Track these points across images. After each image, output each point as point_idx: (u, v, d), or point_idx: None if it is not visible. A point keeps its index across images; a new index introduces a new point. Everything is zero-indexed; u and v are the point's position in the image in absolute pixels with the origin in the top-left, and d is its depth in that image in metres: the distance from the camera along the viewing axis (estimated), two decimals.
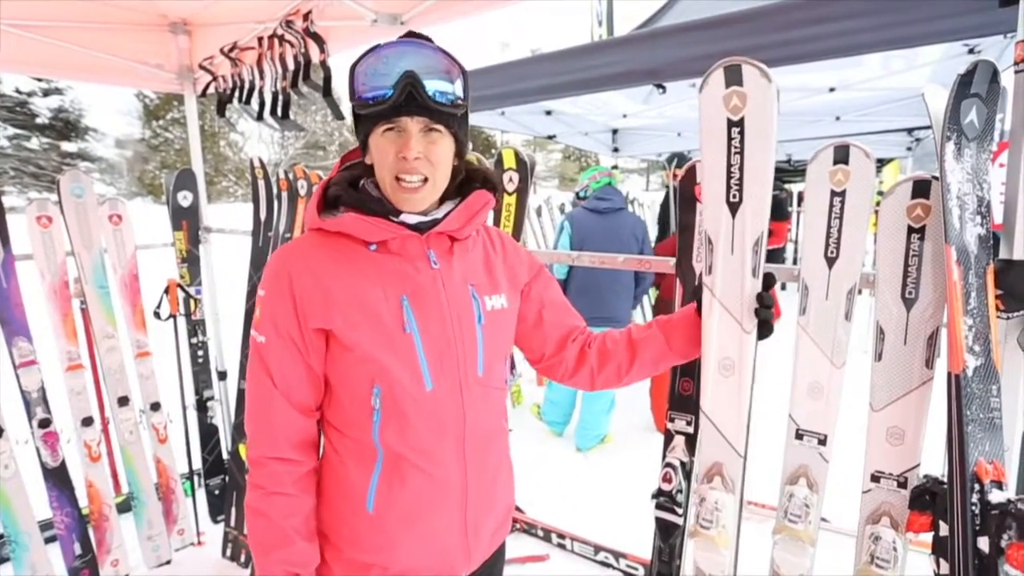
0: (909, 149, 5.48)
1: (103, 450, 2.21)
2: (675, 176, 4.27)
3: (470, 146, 0.99)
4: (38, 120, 21.95)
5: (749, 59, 0.98)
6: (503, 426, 1.05)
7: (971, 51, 3.06)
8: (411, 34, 0.91)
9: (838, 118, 4.52)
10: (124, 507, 2.38)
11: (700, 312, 1.09)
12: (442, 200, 0.96)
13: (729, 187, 1.02)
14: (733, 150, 1.01)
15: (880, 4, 1.79)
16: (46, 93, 21.86)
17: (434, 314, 0.91)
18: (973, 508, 0.82)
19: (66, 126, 22.68)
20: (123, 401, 2.24)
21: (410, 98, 0.84)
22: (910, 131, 4.94)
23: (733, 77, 0.98)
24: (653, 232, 5.19)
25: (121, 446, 2.25)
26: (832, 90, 3.67)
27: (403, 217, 0.91)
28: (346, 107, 0.94)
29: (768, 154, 1.00)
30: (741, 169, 1.01)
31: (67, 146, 23.12)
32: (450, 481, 0.94)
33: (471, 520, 0.97)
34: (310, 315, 0.87)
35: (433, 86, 0.85)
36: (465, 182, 0.99)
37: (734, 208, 1.03)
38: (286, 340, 0.89)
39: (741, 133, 0.99)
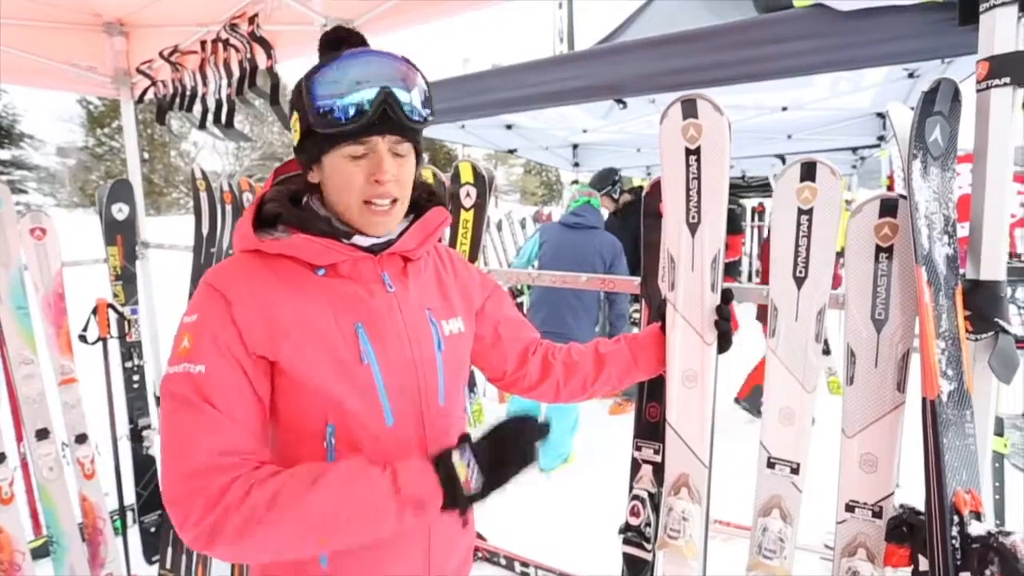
0: (854, 167, 5.72)
1: (18, 490, 1.98)
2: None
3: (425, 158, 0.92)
4: None
5: (703, 94, 1.06)
6: None
7: (911, 75, 3.21)
8: (342, 32, 0.82)
9: (790, 136, 4.67)
10: (42, 552, 2.15)
11: (664, 329, 1.13)
12: None
13: (688, 209, 1.10)
14: (691, 176, 1.09)
15: (832, 27, 1.83)
16: None
17: (392, 342, 0.83)
18: (953, 542, 0.79)
19: None
20: (42, 434, 2.02)
21: (383, 115, 0.76)
22: (854, 150, 5.16)
23: (689, 110, 1.07)
24: None
25: (40, 484, 2.03)
26: (785, 109, 3.78)
27: (355, 239, 0.82)
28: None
29: (722, 179, 1.07)
30: (699, 193, 1.09)
31: None
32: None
33: (435, 563, 0.89)
34: (250, 340, 0.75)
35: (405, 101, 0.77)
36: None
37: (693, 228, 1.10)
38: (231, 363, 0.73)
39: (698, 160, 1.08)
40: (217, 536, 0.67)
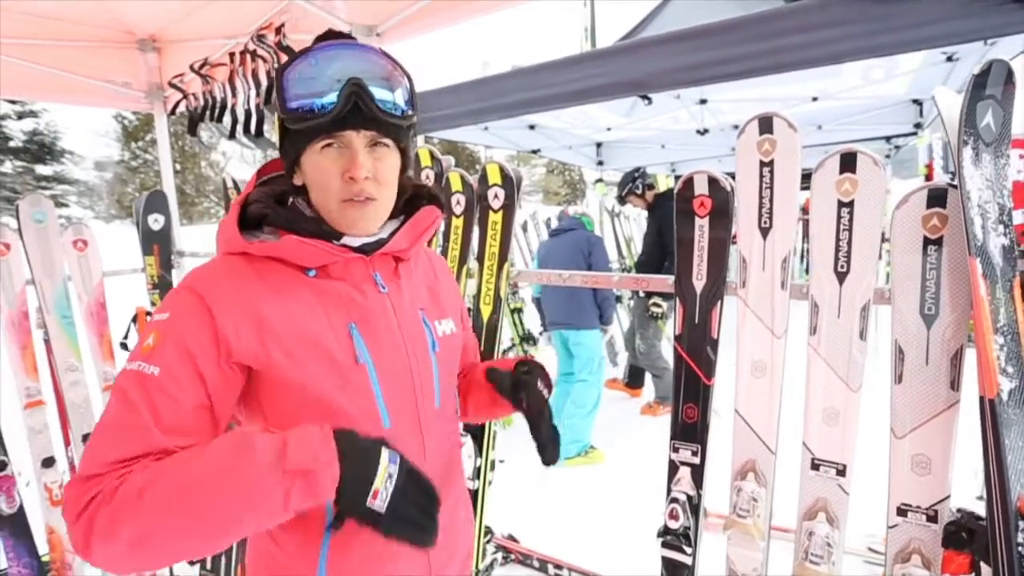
0: (887, 156, 5.54)
1: None
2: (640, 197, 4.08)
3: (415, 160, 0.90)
4: (11, 143, 21.51)
5: (779, 113, 1.14)
6: (459, 458, 0.97)
7: (949, 59, 3.08)
8: (332, 34, 0.80)
9: (820, 127, 4.54)
10: None
11: (502, 392, 0.94)
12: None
13: (761, 215, 1.17)
14: (764, 185, 1.17)
15: (862, 13, 1.77)
16: (20, 116, 21.46)
17: (387, 343, 0.81)
18: (1019, 548, 0.75)
19: (41, 149, 22.24)
20: (89, 438, 2.09)
21: (355, 109, 0.73)
22: (888, 139, 4.99)
23: (765, 127, 1.15)
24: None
25: None
26: (815, 99, 3.68)
27: (345, 240, 0.79)
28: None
29: (793, 189, 1.14)
30: (771, 201, 1.16)
31: (42, 169, 22.67)
32: None
33: (435, 569, 0.86)
34: (236, 347, 0.70)
35: (380, 95, 0.74)
36: (410, 199, 0.89)
37: (765, 232, 1.17)
38: (192, 375, 0.68)
39: (771, 172, 1.16)
40: (90, 536, 0.60)
